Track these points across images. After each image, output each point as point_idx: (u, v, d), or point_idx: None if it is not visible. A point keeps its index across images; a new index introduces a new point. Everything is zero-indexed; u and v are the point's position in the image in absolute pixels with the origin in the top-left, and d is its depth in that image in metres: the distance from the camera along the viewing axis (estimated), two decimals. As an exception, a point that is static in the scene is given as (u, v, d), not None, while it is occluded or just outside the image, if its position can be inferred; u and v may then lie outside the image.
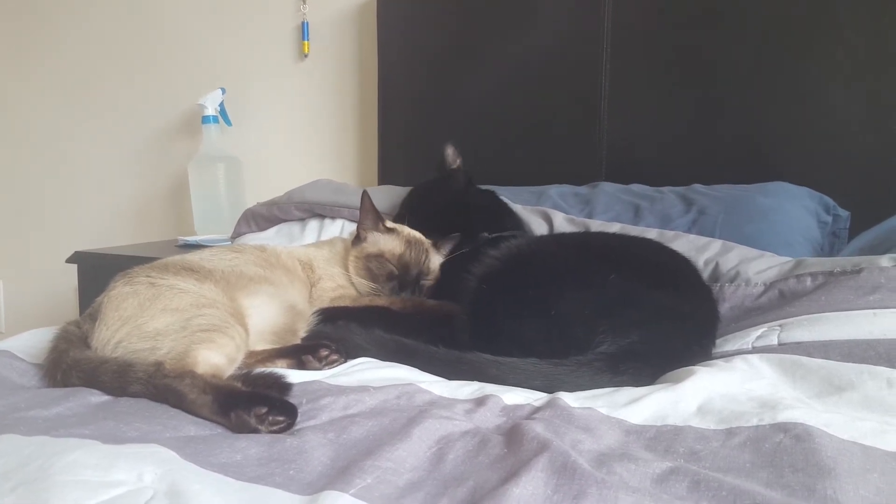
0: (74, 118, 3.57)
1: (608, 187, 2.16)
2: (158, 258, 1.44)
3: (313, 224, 2.26)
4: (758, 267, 1.59)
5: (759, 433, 0.91)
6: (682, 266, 1.46)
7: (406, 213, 1.94)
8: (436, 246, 1.75)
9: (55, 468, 0.76)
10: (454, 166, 2.01)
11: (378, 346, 1.33)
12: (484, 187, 2.05)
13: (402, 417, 0.97)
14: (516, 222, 1.92)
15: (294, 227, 2.28)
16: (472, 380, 1.18)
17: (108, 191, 3.54)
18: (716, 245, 1.72)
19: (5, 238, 3.80)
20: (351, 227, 2.09)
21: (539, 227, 1.95)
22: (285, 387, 1.10)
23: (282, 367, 1.24)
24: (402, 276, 1.63)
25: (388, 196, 2.22)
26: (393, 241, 1.67)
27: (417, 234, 1.74)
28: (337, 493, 0.75)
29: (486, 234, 1.75)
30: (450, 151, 2.00)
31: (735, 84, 2.16)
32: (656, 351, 1.21)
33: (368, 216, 1.69)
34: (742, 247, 1.71)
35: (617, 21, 2.30)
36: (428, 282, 1.68)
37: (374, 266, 1.64)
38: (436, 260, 1.73)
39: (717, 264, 1.65)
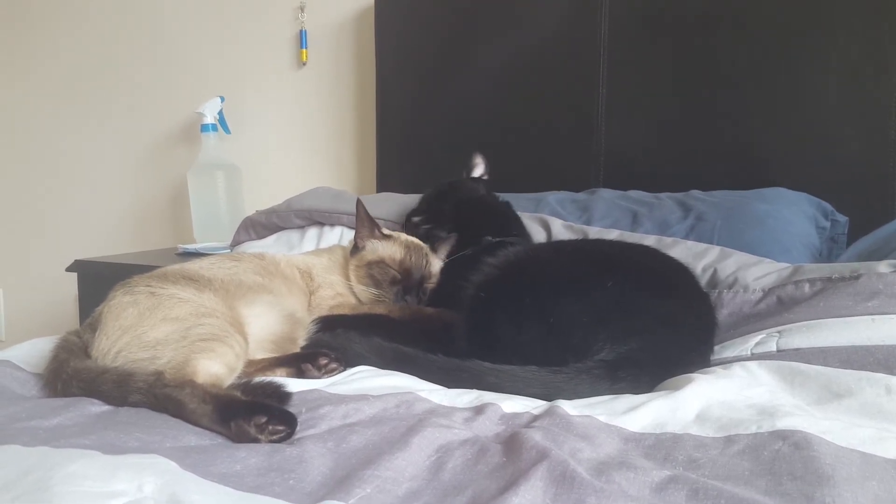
0: (73, 127, 3.58)
1: (606, 194, 2.16)
2: (158, 266, 1.44)
3: (312, 232, 2.26)
4: (756, 273, 1.59)
5: (757, 440, 0.91)
6: (680, 273, 1.46)
7: (428, 206, 1.96)
8: (433, 249, 1.75)
9: (56, 479, 0.76)
10: (478, 174, 2.07)
11: (377, 355, 1.33)
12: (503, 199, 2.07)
13: (401, 426, 0.97)
14: (524, 232, 1.93)
15: (293, 235, 2.28)
16: (471, 388, 1.18)
17: (107, 199, 3.54)
18: (714, 251, 1.73)
19: (5, 247, 3.80)
20: (350, 235, 2.09)
21: (537, 234, 1.96)
22: (285, 396, 1.10)
23: (281, 376, 1.24)
24: (404, 280, 1.63)
25: (387, 203, 2.23)
26: (391, 247, 1.68)
27: (415, 240, 1.74)
28: (336, 503, 0.75)
29: (489, 238, 1.76)
30: (477, 160, 2.08)
31: (732, 90, 2.17)
32: (655, 358, 1.21)
33: (364, 224, 1.69)
34: (740, 253, 1.71)
35: (613, 28, 2.31)
36: (431, 285, 1.69)
37: (376, 272, 1.64)
38: (436, 263, 1.74)
39: (715, 270, 1.65)
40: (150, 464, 0.82)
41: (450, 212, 1.90)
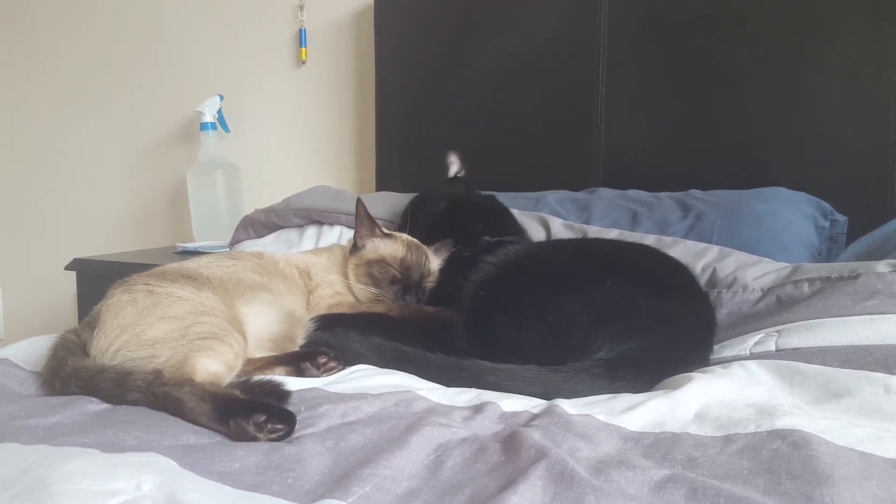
0: (73, 125, 3.58)
1: (606, 193, 2.16)
2: (157, 265, 1.44)
3: (311, 231, 2.26)
4: (755, 273, 1.59)
5: (756, 440, 0.91)
6: (679, 272, 1.46)
7: (408, 220, 1.94)
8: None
9: (54, 477, 0.76)
10: (452, 174, 2.03)
11: (376, 353, 1.33)
12: (485, 193, 2.06)
13: (400, 425, 0.97)
14: (517, 227, 1.93)
15: (292, 234, 2.28)
16: (471, 387, 1.18)
17: (106, 198, 3.54)
18: (713, 251, 1.73)
19: (5, 245, 3.80)
20: (349, 234, 2.09)
21: (537, 233, 1.96)
22: (284, 394, 1.10)
23: (280, 375, 1.24)
24: (404, 279, 1.63)
25: (386, 202, 2.23)
26: (392, 246, 1.68)
27: (414, 239, 1.74)
28: (335, 502, 0.75)
29: (487, 238, 1.76)
30: (452, 158, 2.04)
31: (732, 90, 2.17)
32: (654, 357, 1.21)
33: (364, 223, 1.69)
34: (739, 252, 1.71)
35: (613, 28, 2.31)
36: (430, 284, 1.69)
37: (375, 271, 1.63)
38: (435, 262, 1.74)
39: (714, 270, 1.66)
40: (149, 462, 0.82)
41: (428, 223, 1.89)
